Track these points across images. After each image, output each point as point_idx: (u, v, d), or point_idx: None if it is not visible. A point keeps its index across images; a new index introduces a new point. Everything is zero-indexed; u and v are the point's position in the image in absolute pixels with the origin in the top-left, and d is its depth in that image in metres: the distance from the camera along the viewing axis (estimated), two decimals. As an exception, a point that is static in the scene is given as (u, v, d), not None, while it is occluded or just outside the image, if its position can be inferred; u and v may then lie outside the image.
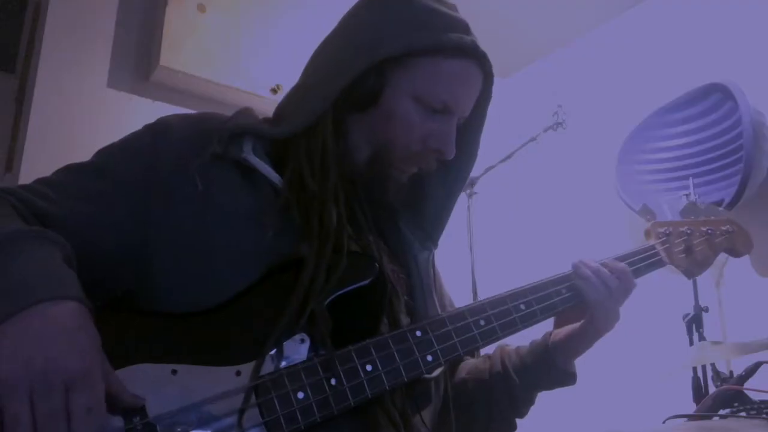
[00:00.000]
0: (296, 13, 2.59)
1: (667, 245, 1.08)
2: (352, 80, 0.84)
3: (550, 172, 3.24)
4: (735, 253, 1.17)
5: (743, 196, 2.26)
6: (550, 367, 0.93)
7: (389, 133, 0.86)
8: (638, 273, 1.01)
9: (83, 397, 0.59)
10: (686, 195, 2.30)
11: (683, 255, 1.09)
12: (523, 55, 3.41)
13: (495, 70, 0.91)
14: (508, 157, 2.65)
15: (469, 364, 1.01)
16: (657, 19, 2.95)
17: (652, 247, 1.06)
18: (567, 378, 0.95)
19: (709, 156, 2.49)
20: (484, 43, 0.89)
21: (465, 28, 0.88)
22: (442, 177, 0.96)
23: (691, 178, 2.36)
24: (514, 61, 3.44)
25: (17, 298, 0.61)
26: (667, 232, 1.10)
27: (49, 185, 0.79)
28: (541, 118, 2.66)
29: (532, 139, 2.61)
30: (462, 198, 2.62)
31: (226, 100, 2.44)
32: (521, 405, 0.96)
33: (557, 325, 0.97)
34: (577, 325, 0.93)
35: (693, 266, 1.10)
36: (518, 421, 0.99)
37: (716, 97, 2.49)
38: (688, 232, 1.11)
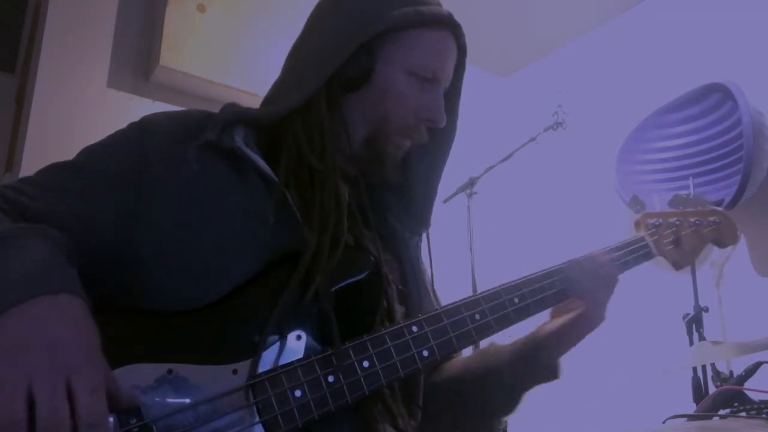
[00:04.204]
0: (296, 13, 2.58)
1: (656, 237, 1.07)
2: (344, 61, 0.85)
3: (549, 172, 3.24)
4: (721, 244, 1.17)
5: (743, 196, 2.26)
6: (534, 364, 0.93)
7: (385, 109, 0.87)
8: (628, 265, 1.00)
9: (86, 378, 0.59)
10: (686, 195, 2.30)
11: (671, 246, 1.08)
12: (523, 55, 3.41)
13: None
14: (508, 157, 2.65)
15: (461, 360, 1.01)
16: (657, 19, 2.94)
17: (642, 239, 1.05)
18: (550, 374, 0.94)
19: (709, 156, 2.49)
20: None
21: (437, 1, 0.92)
22: (423, 156, 0.97)
23: (691, 178, 2.36)
24: (515, 61, 3.43)
25: (22, 288, 0.62)
26: (657, 223, 1.09)
27: (33, 185, 0.78)
28: (541, 118, 2.66)
29: (532, 139, 2.61)
30: (462, 198, 2.64)
31: (226, 100, 2.39)
32: (512, 403, 0.96)
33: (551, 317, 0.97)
34: (566, 319, 0.92)
35: (681, 257, 1.08)
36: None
37: (716, 97, 2.49)
38: (677, 223, 1.10)
